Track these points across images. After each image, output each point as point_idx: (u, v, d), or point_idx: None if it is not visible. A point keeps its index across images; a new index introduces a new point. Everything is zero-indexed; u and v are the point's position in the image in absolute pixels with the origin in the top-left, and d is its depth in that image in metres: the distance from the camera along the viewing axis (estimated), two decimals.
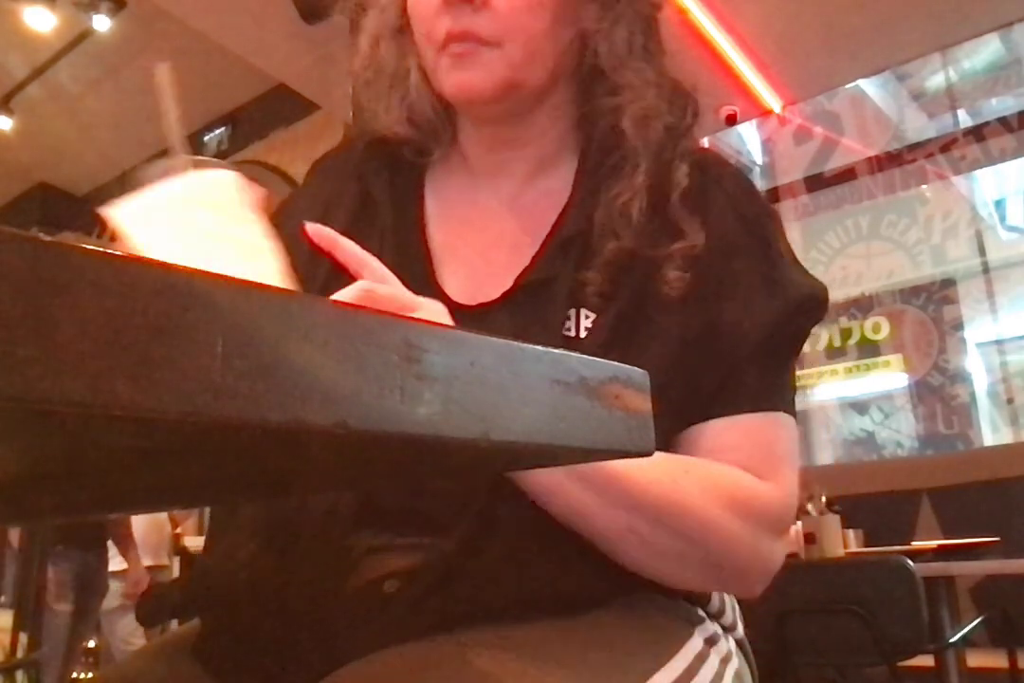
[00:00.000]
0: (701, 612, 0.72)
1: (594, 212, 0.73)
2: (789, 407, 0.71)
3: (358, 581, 0.63)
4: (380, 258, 0.67)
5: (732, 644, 0.73)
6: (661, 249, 0.70)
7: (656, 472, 0.64)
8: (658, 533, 0.63)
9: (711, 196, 0.74)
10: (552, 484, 0.61)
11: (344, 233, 0.69)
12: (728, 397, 0.69)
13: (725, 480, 0.66)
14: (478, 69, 0.72)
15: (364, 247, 0.66)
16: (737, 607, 0.78)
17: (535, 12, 0.73)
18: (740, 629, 0.77)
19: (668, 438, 0.68)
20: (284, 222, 0.78)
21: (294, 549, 0.66)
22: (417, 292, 0.63)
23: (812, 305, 0.73)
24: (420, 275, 0.74)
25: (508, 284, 0.72)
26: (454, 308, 0.65)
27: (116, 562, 4.04)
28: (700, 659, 0.66)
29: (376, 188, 0.79)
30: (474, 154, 0.81)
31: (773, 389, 0.71)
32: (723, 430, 0.68)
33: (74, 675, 4.00)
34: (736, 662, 0.71)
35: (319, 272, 0.71)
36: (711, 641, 0.70)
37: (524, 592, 0.63)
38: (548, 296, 0.70)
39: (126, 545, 3.88)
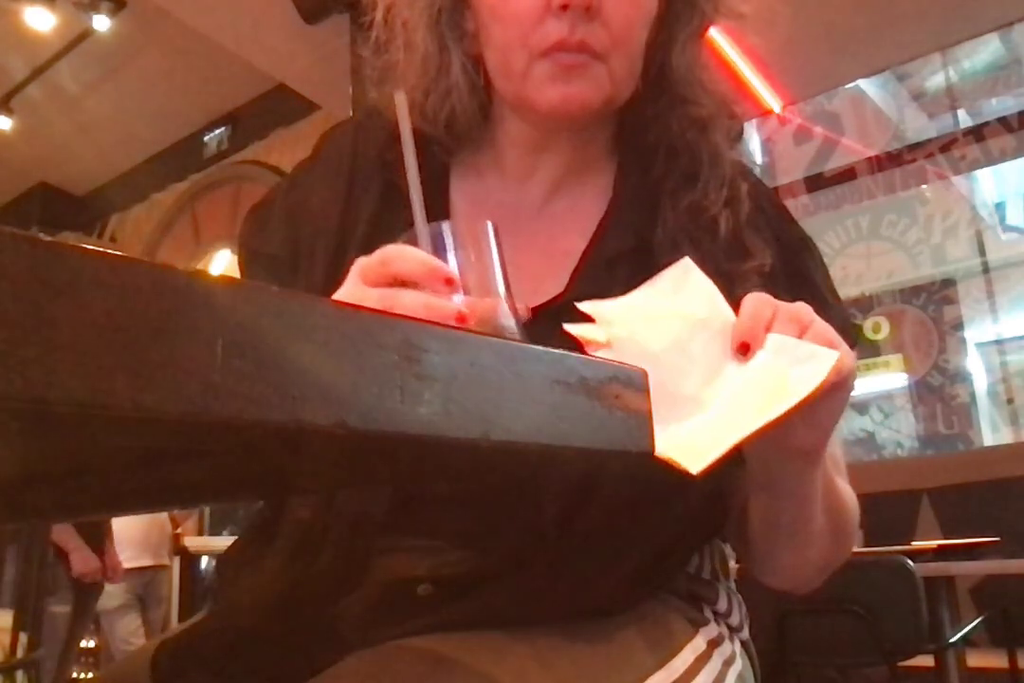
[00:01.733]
0: (708, 612, 0.72)
1: (645, 229, 0.72)
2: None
3: (384, 581, 0.64)
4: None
5: (737, 645, 0.73)
6: (733, 265, 0.69)
7: (839, 480, 0.69)
8: (832, 537, 0.67)
9: (755, 216, 0.74)
10: (815, 487, 0.63)
11: (371, 224, 0.70)
12: None
13: (848, 489, 0.71)
14: (587, 82, 0.69)
15: (390, 240, 0.66)
16: (744, 608, 0.78)
17: (641, 26, 0.71)
18: (746, 630, 0.77)
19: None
20: (305, 194, 0.78)
21: (321, 554, 0.66)
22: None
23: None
24: None
25: (544, 296, 0.70)
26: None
27: None
28: (701, 660, 0.66)
29: (402, 176, 0.76)
30: (511, 155, 0.78)
31: None
32: None
33: (74, 675, 4.00)
34: (740, 664, 0.71)
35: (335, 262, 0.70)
36: (715, 642, 0.70)
37: (553, 602, 0.64)
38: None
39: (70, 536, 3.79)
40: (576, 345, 0.61)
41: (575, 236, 0.74)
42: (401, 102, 0.64)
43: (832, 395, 0.55)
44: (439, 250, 0.53)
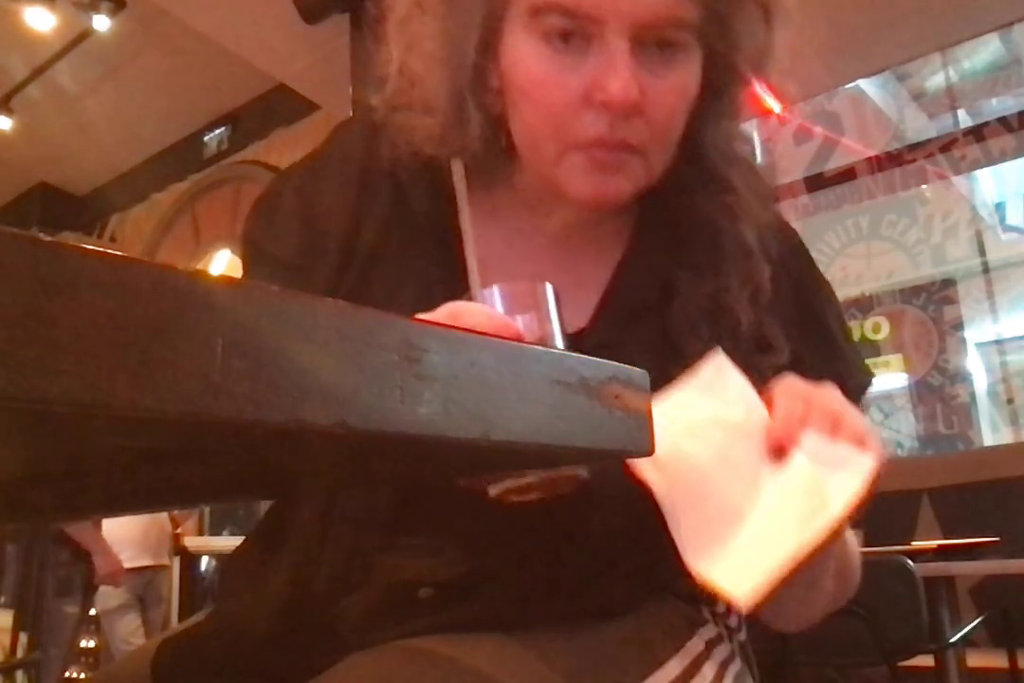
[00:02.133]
0: (706, 613, 0.72)
1: (667, 277, 0.70)
2: None
3: (385, 583, 0.64)
4: (415, 270, 0.67)
5: (735, 647, 0.73)
6: (752, 360, 0.67)
7: (851, 537, 0.67)
8: (837, 589, 0.66)
9: (779, 280, 0.72)
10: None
11: (379, 237, 0.69)
12: None
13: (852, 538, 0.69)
14: (621, 177, 0.66)
15: (404, 253, 0.65)
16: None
17: (680, 118, 0.68)
18: (744, 632, 0.77)
19: None
20: (314, 196, 0.74)
21: (324, 555, 0.66)
22: None
23: (860, 395, 0.75)
24: (454, 298, 0.71)
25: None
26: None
27: None
28: (699, 661, 0.66)
29: (414, 196, 0.73)
30: (530, 197, 0.74)
31: None
32: None
33: (74, 675, 4.00)
34: (737, 665, 0.71)
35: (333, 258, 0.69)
36: (713, 643, 0.70)
37: (553, 604, 0.64)
38: (618, 361, 0.67)
39: (96, 540, 3.81)
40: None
41: (593, 269, 0.73)
42: (458, 170, 0.64)
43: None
44: (502, 311, 0.53)
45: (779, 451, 0.55)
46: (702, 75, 0.68)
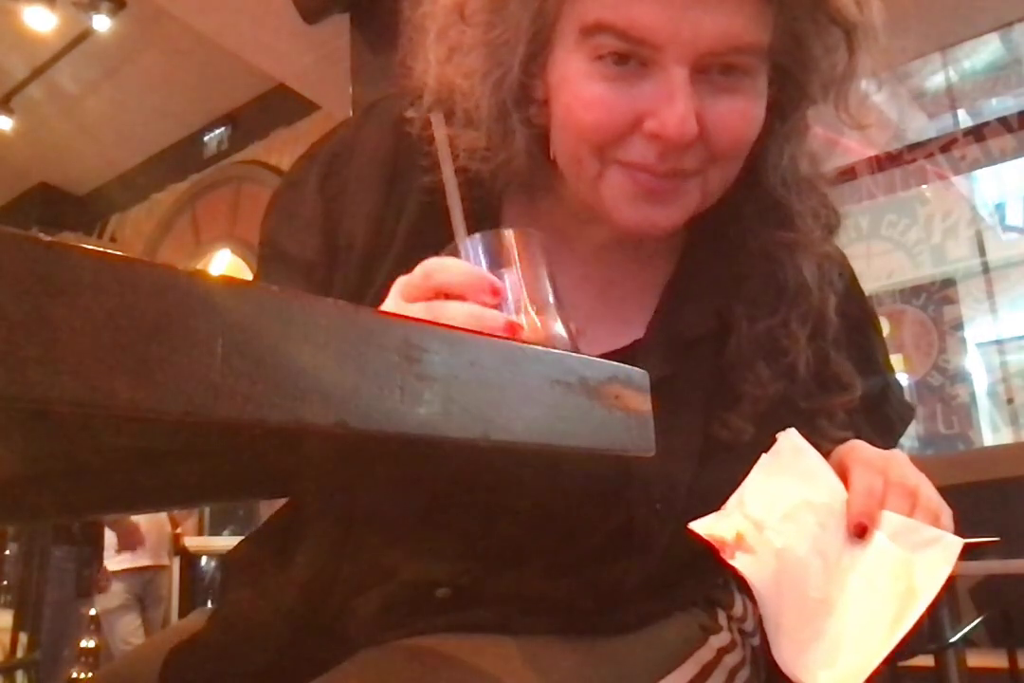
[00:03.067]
0: (722, 618, 0.72)
1: (724, 310, 0.66)
2: None
3: (403, 581, 0.63)
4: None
5: (748, 651, 0.73)
6: (818, 400, 0.65)
7: None
8: None
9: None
10: None
11: (408, 240, 0.65)
12: None
13: None
14: (673, 206, 0.61)
15: (428, 257, 0.62)
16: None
17: (745, 142, 0.61)
18: (759, 636, 0.76)
19: None
20: (339, 195, 0.70)
21: (342, 560, 0.66)
22: None
23: (903, 429, 0.73)
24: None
25: (599, 343, 0.65)
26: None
27: (116, 562, 4.04)
28: (708, 669, 0.66)
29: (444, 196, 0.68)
30: (573, 208, 0.69)
31: None
32: None
33: (74, 675, 3.99)
34: (747, 671, 0.71)
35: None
36: (725, 650, 0.69)
37: (572, 618, 0.63)
38: (671, 395, 0.61)
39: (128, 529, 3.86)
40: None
41: (636, 290, 0.69)
42: (438, 121, 0.59)
43: None
44: (485, 263, 0.50)
45: (860, 530, 0.53)
46: (768, 94, 0.62)
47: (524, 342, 0.38)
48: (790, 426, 0.61)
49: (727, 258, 0.68)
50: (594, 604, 0.63)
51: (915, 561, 0.52)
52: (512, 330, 0.45)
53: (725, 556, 0.53)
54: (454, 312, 0.46)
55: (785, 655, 0.51)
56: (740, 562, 0.52)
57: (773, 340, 0.65)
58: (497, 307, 0.47)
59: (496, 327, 0.45)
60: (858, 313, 0.73)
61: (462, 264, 0.49)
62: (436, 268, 0.49)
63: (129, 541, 3.69)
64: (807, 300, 0.66)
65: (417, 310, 0.47)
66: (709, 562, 0.66)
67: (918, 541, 0.52)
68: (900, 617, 0.50)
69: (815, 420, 0.64)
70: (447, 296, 0.48)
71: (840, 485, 0.55)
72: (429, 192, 0.65)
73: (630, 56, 0.58)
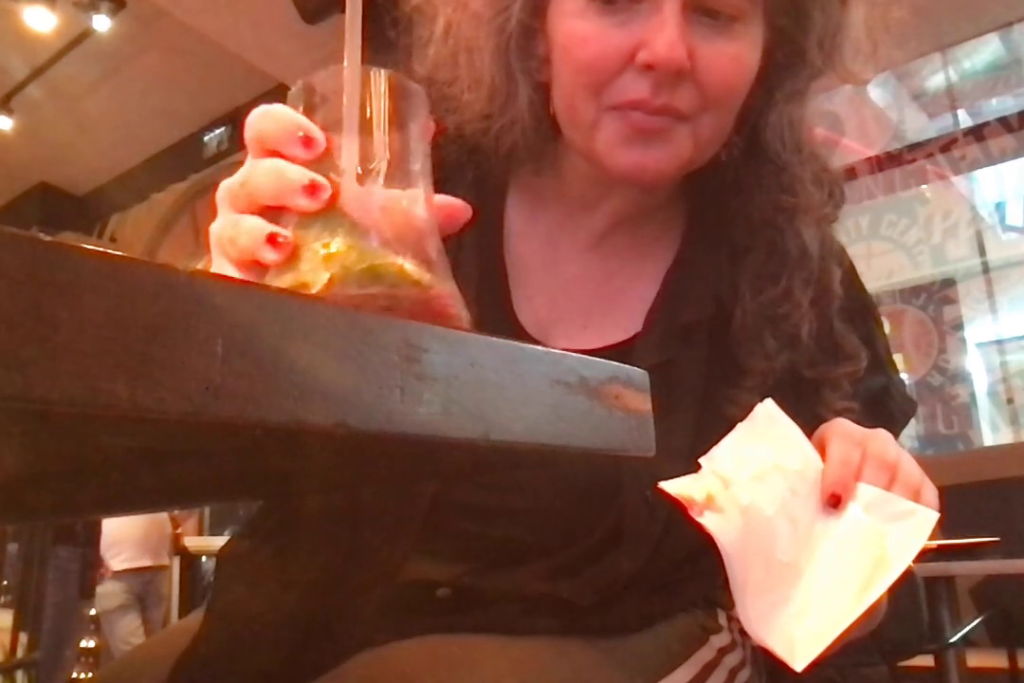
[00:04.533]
0: (722, 618, 0.72)
1: (724, 296, 0.65)
2: None
3: (404, 582, 0.63)
4: (456, 268, 0.64)
5: (748, 651, 0.73)
6: (821, 369, 0.64)
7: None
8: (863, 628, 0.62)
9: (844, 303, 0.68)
10: None
11: None
12: None
13: None
14: (665, 148, 0.61)
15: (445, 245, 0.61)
16: None
17: (741, 84, 0.62)
18: None
19: None
20: None
21: (348, 562, 0.66)
22: (490, 316, 0.60)
23: (904, 423, 0.72)
24: (495, 296, 0.67)
25: (600, 337, 0.65)
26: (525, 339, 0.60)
27: (116, 562, 4.04)
28: (708, 669, 0.66)
29: (457, 184, 0.69)
30: (574, 186, 0.70)
31: None
32: None
33: (74, 675, 4.00)
34: (748, 672, 0.71)
35: None
36: (725, 650, 0.69)
37: (571, 618, 0.63)
38: (667, 381, 0.62)
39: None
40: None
41: (638, 279, 0.69)
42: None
43: None
44: (319, 111, 0.38)
45: (834, 500, 0.53)
46: (766, 57, 0.63)
47: (345, 216, 0.35)
48: (797, 397, 0.61)
49: (729, 233, 0.67)
50: (593, 603, 0.63)
51: (888, 532, 0.51)
52: (312, 192, 0.35)
53: (693, 514, 0.52)
54: (258, 170, 0.37)
55: (751, 615, 0.51)
56: (708, 520, 0.52)
57: (777, 308, 0.64)
58: (316, 166, 0.37)
59: (292, 188, 0.35)
60: (859, 306, 0.72)
61: (283, 111, 0.39)
62: (256, 117, 0.39)
63: None
64: (808, 266, 0.65)
65: (230, 187, 0.40)
66: (708, 561, 0.66)
67: (892, 513, 0.52)
68: (868, 585, 0.49)
69: (820, 390, 0.64)
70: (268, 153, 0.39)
71: (815, 455, 0.55)
72: (441, 181, 0.66)
73: None
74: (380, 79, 0.39)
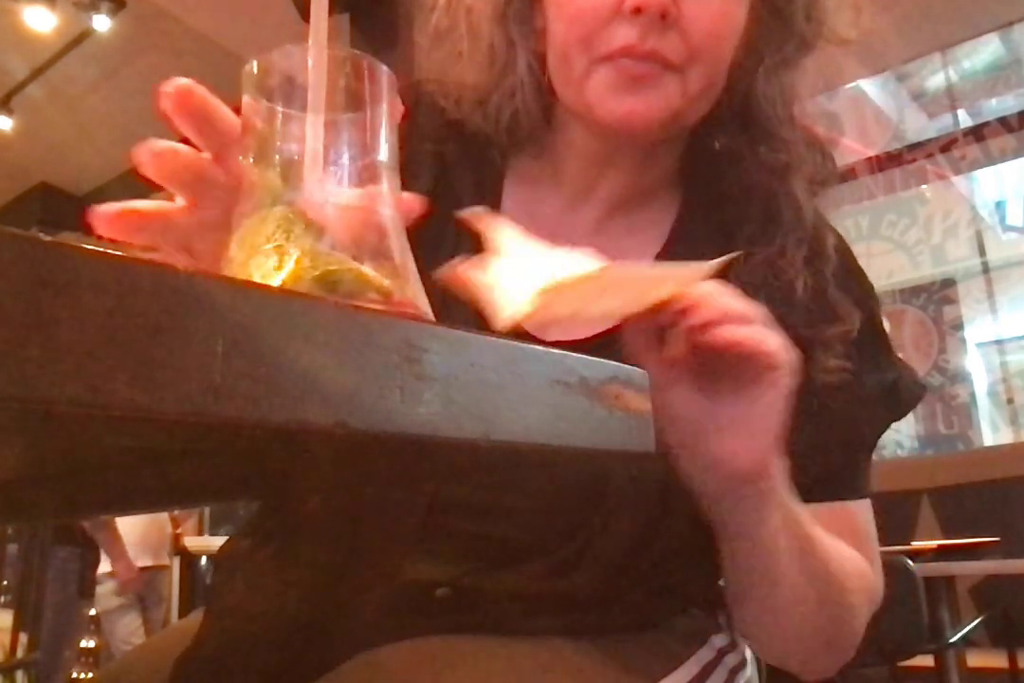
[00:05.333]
0: (722, 619, 0.72)
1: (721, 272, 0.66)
2: (869, 489, 0.70)
3: (402, 582, 0.63)
4: (456, 253, 0.63)
5: (748, 652, 0.73)
6: (815, 330, 0.63)
7: (838, 551, 0.62)
8: (819, 612, 0.60)
9: (840, 273, 0.68)
10: (771, 530, 0.55)
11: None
12: (829, 485, 0.66)
13: (861, 569, 0.65)
14: (654, 96, 0.61)
15: (443, 231, 0.60)
16: None
17: (726, 38, 0.63)
18: None
19: None
20: None
21: (347, 563, 0.66)
22: None
23: (913, 407, 0.72)
24: None
25: (591, 328, 0.63)
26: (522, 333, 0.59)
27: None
28: (708, 669, 0.66)
29: (457, 176, 0.71)
30: (571, 167, 0.71)
31: (863, 478, 0.70)
32: (824, 516, 0.64)
33: (74, 675, 4.00)
34: (748, 672, 0.71)
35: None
36: (725, 651, 0.69)
37: (571, 618, 0.63)
38: None
39: (113, 545, 3.87)
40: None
41: (635, 258, 0.69)
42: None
43: (759, 395, 0.49)
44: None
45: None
46: (753, 23, 0.64)
47: (300, 215, 0.32)
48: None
49: (724, 207, 0.68)
50: (593, 601, 0.63)
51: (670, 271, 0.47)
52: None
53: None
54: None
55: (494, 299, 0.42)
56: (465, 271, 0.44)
57: (771, 266, 0.65)
58: (260, 156, 0.35)
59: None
60: (859, 291, 0.71)
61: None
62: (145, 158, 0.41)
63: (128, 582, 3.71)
64: (802, 224, 0.66)
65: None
66: (708, 564, 0.66)
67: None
68: (644, 295, 0.44)
69: (812, 351, 0.63)
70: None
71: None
72: (443, 168, 0.68)
73: None
74: (344, 61, 0.35)
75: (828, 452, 0.65)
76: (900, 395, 0.69)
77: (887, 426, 0.70)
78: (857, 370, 0.65)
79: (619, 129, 0.64)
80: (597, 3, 0.61)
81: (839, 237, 0.72)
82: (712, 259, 0.64)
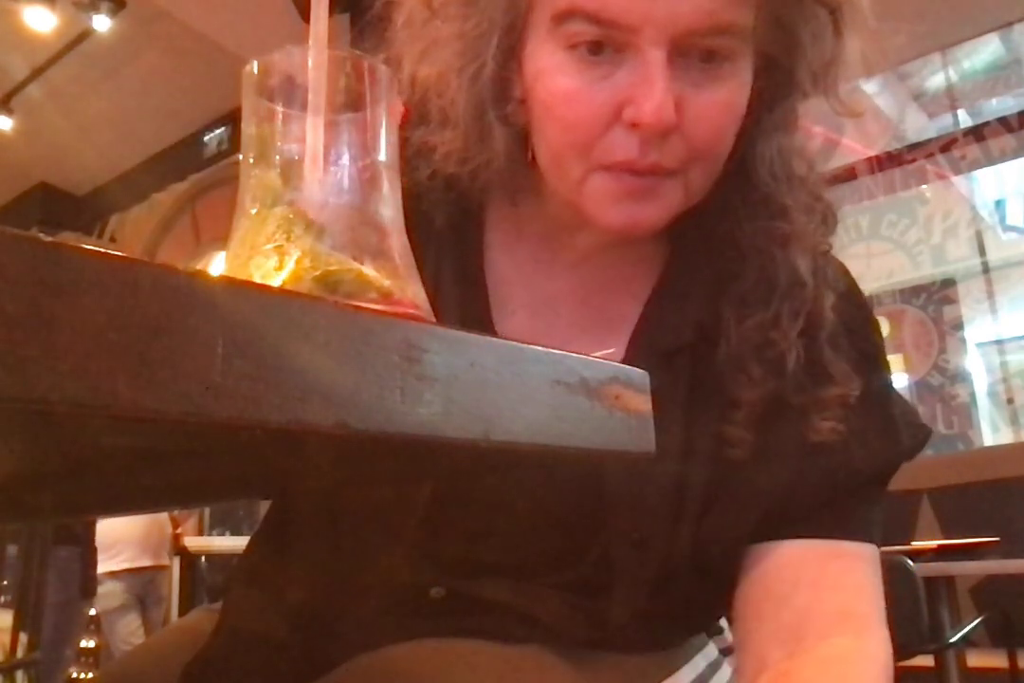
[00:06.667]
0: (723, 621, 0.72)
1: (707, 323, 0.63)
2: (875, 539, 0.67)
3: (398, 582, 0.63)
4: (438, 286, 0.60)
5: None
6: (808, 394, 0.62)
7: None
8: None
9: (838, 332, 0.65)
10: None
11: None
12: (823, 521, 0.64)
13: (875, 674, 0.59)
14: (654, 203, 0.59)
15: (427, 273, 0.58)
16: None
17: (726, 136, 0.60)
18: None
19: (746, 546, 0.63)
20: None
21: (340, 564, 0.65)
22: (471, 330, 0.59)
23: (918, 449, 0.68)
24: (475, 309, 0.65)
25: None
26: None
27: (116, 562, 4.04)
28: (712, 669, 0.66)
29: (437, 216, 0.67)
30: (557, 210, 0.67)
31: (864, 522, 0.66)
32: (812, 556, 0.63)
33: (74, 675, 4.00)
34: None
35: None
36: (727, 651, 0.69)
37: (566, 619, 0.62)
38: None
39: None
40: None
41: (621, 298, 0.67)
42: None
43: None
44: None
45: None
46: (754, 83, 0.60)
47: (301, 214, 0.32)
48: (782, 420, 0.60)
49: (716, 258, 0.66)
50: (587, 632, 0.62)
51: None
52: None
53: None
54: None
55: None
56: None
57: (763, 336, 0.62)
58: (260, 156, 0.34)
59: None
60: (860, 349, 0.68)
61: None
62: None
63: None
64: (800, 294, 0.63)
65: None
66: (719, 598, 0.63)
67: None
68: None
69: (808, 416, 0.62)
70: None
71: None
72: (421, 211, 0.64)
73: (604, 43, 0.56)
74: (344, 61, 0.35)
75: (818, 485, 0.63)
76: (898, 430, 0.66)
77: (888, 462, 0.66)
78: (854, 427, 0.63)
79: (619, 233, 0.62)
80: (595, 112, 0.57)
81: (847, 284, 0.68)
82: (702, 310, 0.63)
